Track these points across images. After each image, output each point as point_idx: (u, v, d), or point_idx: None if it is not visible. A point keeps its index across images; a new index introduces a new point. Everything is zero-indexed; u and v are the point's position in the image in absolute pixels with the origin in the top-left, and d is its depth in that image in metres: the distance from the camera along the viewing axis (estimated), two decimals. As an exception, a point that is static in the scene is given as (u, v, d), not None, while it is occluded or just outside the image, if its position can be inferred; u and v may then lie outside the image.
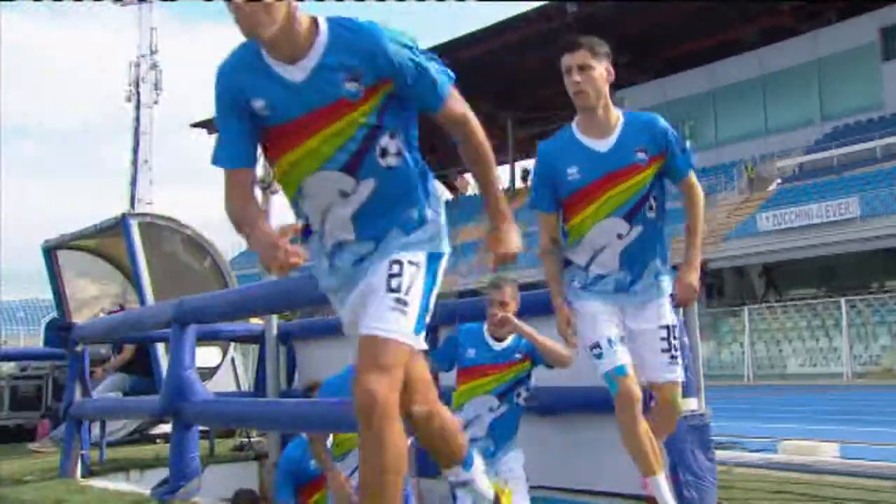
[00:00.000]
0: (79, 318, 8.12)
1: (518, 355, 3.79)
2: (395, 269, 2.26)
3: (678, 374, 3.22)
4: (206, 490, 4.67)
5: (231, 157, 2.32)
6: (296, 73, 2.21)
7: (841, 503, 3.68)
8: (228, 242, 47.86)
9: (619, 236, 3.12)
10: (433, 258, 2.35)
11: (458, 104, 2.34)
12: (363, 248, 2.35)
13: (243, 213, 2.33)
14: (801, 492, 3.96)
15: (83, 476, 5.57)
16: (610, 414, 4.14)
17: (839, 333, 23.15)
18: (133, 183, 52.58)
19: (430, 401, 2.47)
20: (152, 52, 53.20)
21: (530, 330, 3.73)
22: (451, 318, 4.07)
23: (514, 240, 2.42)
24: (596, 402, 4.19)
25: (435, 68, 2.29)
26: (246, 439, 6.66)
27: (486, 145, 2.40)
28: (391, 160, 2.31)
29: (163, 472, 4.85)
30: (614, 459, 4.11)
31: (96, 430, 6.15)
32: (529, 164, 46.54)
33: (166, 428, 6.23)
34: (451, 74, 2.34)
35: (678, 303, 3.27)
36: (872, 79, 31.92)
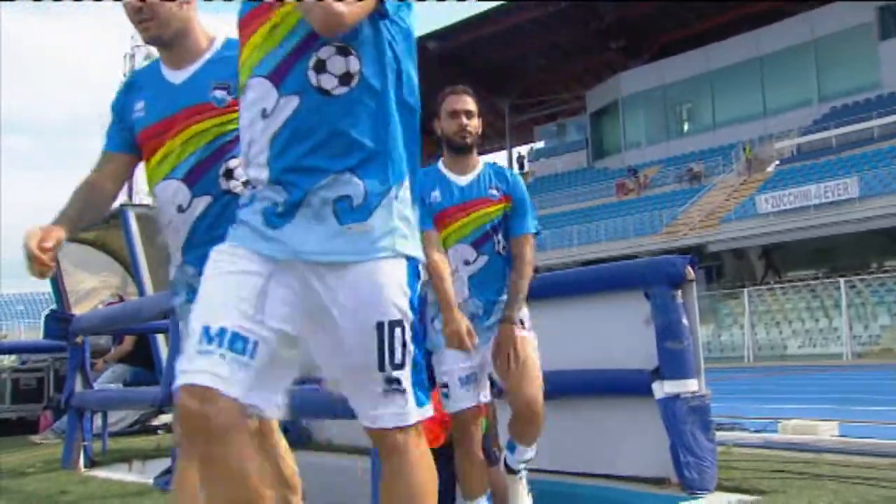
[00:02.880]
0: (78, 310, 8.12)
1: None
2: None
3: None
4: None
5: None
6: None
7: (840, 481, 3.69)
8: (227, 233, 47.88)
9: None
10: None
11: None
12: None
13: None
14: (800, 471, 3.97)
15: (86, 467, 5.59)
16: (620, 397, 4.16)
17: (839, 314, 23.19)
18: (130, 175, 52.49)
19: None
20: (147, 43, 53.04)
21: None
22: None
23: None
24: (606, 386, 4.21)
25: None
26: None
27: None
28: None
29: (165, 462, 4.87)
30: (625, 443, 4.13)
31: (98, 421, 6.17)
32: (524, 149, 46.53)
33: (167, 418, 6.25)
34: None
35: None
36: (869, 58, 31.85)
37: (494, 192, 3.39)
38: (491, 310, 3.35)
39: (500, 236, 3.37)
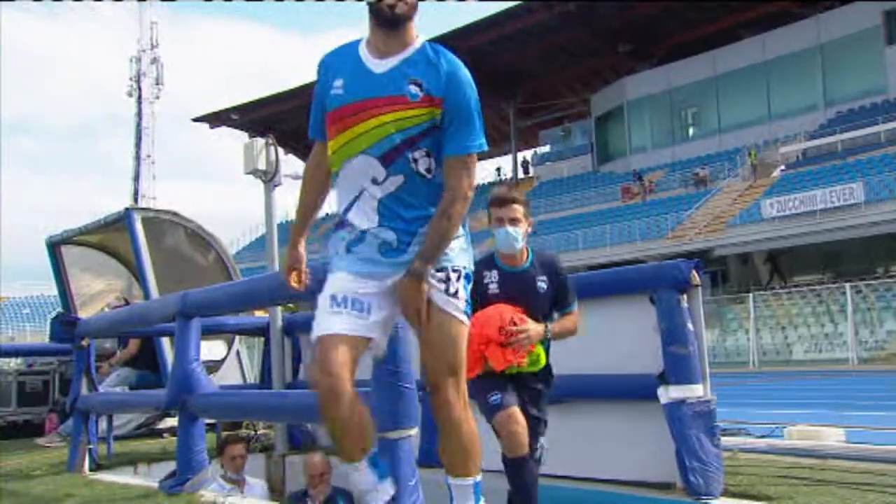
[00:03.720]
0: (84, 313, 8.15)
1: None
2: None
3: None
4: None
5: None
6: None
7: (847, 487, 3.68)
8: (232, 236, 48.03)
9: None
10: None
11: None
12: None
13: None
14: (806, 476, 3.96)
15: (91, 470, 5.59)
16: (625, 402, 4.15)
17: (844, 319, 23.13)
18: (136, 178, 52.65)
19: None
20: (153, 47, 53.19)
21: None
22: None
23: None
24: (612, 390, 4.20)
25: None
26: (252, 432, 6.68)
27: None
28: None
29: (170, 466, 4.88)
30: (631, 447, 4.12)
31: (103, 424, 6.18)
32: (529, 154, 46.53)
33: (173, 422, 6.26)
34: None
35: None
36: (876, 63, 31.82)
37: (414, 88, 2.47)
38: (408, 242, 2.56)
39: (419, 153, 2.51)
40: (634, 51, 38.36)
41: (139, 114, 53.10)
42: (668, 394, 3.77)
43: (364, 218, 2.56)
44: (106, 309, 8.29)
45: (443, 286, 2.56)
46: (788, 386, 17.35)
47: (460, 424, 2.59)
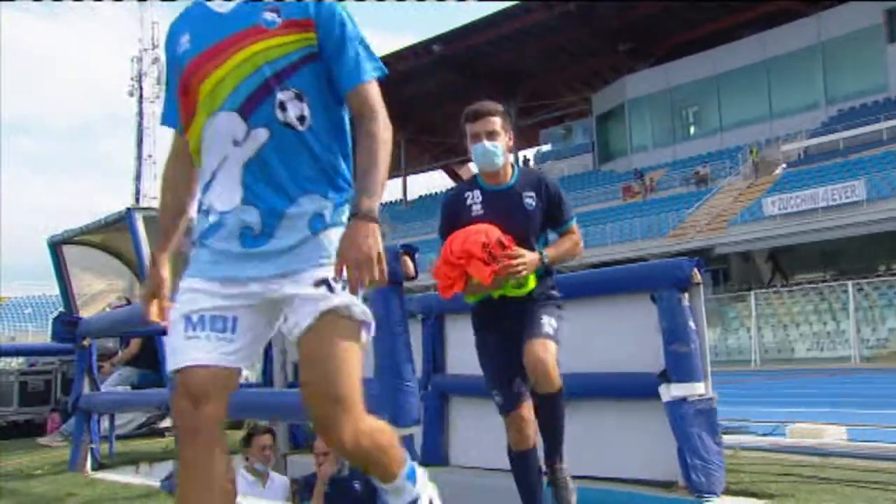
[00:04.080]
0: (86, 313, 8.15)
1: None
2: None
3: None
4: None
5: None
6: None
7: (848, 485, 3.68)
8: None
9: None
10: None
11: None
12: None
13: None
14: (808, 474, 3.96)
15: (93, 469, 5.60)
16: (627, 400, 4.15)
17: (846, 317, 23.11)
18: (137, 178, 52.71)
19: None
20: (154, 47, 53.20)
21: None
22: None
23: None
24: (613, 389, 4.20)
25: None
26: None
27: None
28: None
29: (171, 465, 4.88)
30: (632, 446, 4.12)
31: (105, 423, 6.18)
32: (531, 153, 46.53)
33: (174, 421, 6.26)
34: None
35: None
36: (877, 61, 31.80)
37: (270, 15, 2.03)
38: (273, 225, 2.02)
39: (287, 94, 2.02)
40: (634, 50, 38.34)
41: (140, 113, 53.17)
42: (669, 392, 3.77)
43: (226, 196, 2.03)
44: (107, 309, 8.30)
45: (325, 298, 2.00)
46: (790, 384, 17.35)
47: (368, 454, 2.09)
